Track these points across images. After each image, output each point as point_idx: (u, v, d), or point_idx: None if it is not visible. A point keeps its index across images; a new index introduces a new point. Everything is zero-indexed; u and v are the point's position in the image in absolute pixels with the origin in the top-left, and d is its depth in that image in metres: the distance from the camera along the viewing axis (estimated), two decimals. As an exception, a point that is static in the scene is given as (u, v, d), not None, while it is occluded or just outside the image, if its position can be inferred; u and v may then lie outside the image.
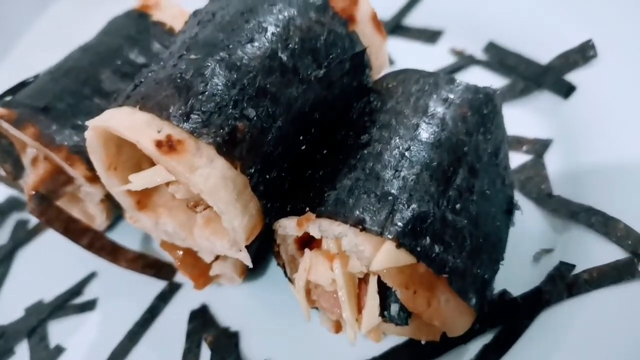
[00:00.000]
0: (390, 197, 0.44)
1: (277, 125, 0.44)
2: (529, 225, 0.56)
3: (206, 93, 0.41)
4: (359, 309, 0.49)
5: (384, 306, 0.47)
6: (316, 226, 0.44)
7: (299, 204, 0.46)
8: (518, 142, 0.64)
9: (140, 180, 0.43)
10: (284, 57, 0.45)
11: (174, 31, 0.63)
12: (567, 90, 0.64)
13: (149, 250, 0.67)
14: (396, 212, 0.43)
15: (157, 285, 0.64)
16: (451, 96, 0.50)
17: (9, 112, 0.55)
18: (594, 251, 0.48)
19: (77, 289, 0.68)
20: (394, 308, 0.47)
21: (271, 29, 0.46)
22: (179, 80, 0.42)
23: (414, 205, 0.44)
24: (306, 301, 0.51)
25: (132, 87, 0.43)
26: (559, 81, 0.65)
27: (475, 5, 0.81)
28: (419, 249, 0.42)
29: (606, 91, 0.61)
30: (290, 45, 0.46)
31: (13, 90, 0.59)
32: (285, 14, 0.47)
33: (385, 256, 0.42)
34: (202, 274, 0.58)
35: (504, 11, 0.78)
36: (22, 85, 0.60)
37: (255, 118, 0.43)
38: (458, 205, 0.46)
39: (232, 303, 0.61)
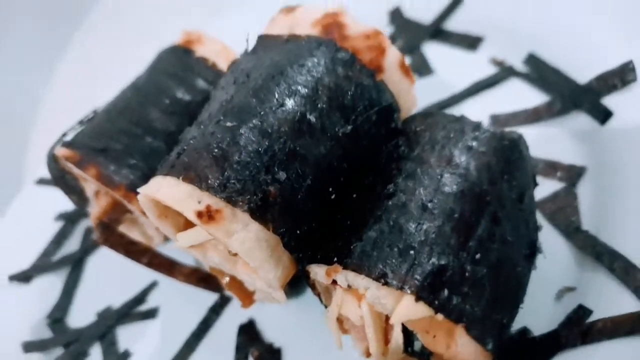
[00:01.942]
0: (411, 251, 0.47)
1: (306, 183, 0.48)
2: (555, 259, 0.58)
3: (240, 162, 0.46)
4: (386, 341, 0.53)
5: (408, 342, 0.51)
6: (343, 277, 0.49)
7: (328, 253, 0.50)
8: (552, 168, 0.64)
9: (185, 239, 0.49)
10: (313, 119, 0.48)
11: (217, 67, 0.67)
12: (603, 116, 0.63)
13: (202, 265, 0.74)
14: (416, 266, 0.46)
15: (210, 297, 0.71)
16: (475, 144, 0.52)
17: (73, 154, 0.62)
18: (613, 298, 0.50)
19: (141, 297, 0.76)
20: (417, 345, 0.51)
21: (300, 92, 0.49)
22: (216, 150, 0.46)
23: (433, 259, 0.47)
24: (338, 331, 0.56)
25: (176, 155, 0.48)
26: (596, 105, 0.65)
27: (517, 12, 0.80)
28: (437, 302, 0.46)
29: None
30: (318, 106, 0.49)
31: (74, 128, 0.65)
32: (314, 73, 0.50)
33: (404, 309, 0.45)
34: (247, 296, 0.63)
35: (546, 20, 0.76)
36: (82, 122, 0.66)
37: (286, 180, 0.47)
38: (478, 255, 0.48)
39: (277, 319, 0.66)
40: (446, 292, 0.46)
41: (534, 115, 0.70)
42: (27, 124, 1.25)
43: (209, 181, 0.45)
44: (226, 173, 0.45)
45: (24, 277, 0.82)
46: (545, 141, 0.68)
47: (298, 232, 0.48)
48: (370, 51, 0.53)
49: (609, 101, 0.64)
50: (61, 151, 0.62)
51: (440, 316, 0.46)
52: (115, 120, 0.64)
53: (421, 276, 0.46)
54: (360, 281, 0.47)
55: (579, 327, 0.50)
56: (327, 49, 0.51)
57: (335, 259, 0.49)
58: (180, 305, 0.73)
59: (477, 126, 0.53)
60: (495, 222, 0.50)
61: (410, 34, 0.90)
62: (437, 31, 0.88)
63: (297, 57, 0.51)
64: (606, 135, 0.63)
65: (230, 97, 0.50)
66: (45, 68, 1.41)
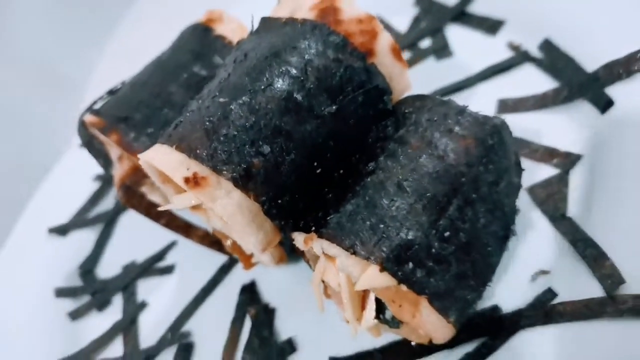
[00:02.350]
0: (382, 225, 0.51)
1: (290, 158, 0.52)
2: (538, 243, 0.59)
3: (228, 135, 0.50)
4: (363, 307, 0.57)
5: (381, 310, 0.55)
6: (319, 245, 0.53)
7: (308, 222, 0.54)
8: (550, 155, 0.65)
9: (179, 202, 0.54)
10: (299, 97, 0.52)
11: (232, 44, 0.71)
12: (604, 105, 0.64)
13: (215, 229, 0.80)
14: (385, 239, 0.50)
15: (221, 258, 0.77)
16: (457, 128, 0.54)
17: (98, 121, 0.68)
18: (580, 283, 0.52)
19: (161, 255, 0.83)
20: (388, 314, 0.55)
21: (290, 72, 0.53)
22: (207, 124, 0.51)
23: (402, 234, 0.50)
24: (322, 295, 0.60)
25: (174, 126, 0.53)
26: (599, 93, 0.65)
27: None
28: (400, 273, 0.49)
29: (641, 111, 0.60)
30: (306, 86, 0.52)
31: (102, 98, 0.72)
32: (305, 56, 0.53)
33: (368, 278, 0.49)
34: (247, 258, 0.69)
35: (565, 6, 0.76)
36: (111, 93, 0.73)
37: (269, 154, 0.51)
38: (447, 234, 0.51)
39: (276, 282, 0.72)
40: (411, 265, 0.49)
41: (541, 102, 0.71)
42: (80, 89, 1.35)
43: (198, 151, 0.50)
44: (214, 144, 0.50)
45: (61, 230, 0.91)
46: (548, 128, 0.69)
47: (279, 201, 0.52)
48: (362, 35, 0.55)
49: (613, 90, 0.64)
50: (89, 118, 0.69)
51: (404, 287, 0.50)
52: (138, 92, 0.70)
53: (388, 249, 0.49)
54: (332, 250, 0.51)
55: (543, 308, 0.52)
56: (320, 33, 0.54)
57: (314, 228, 0.53)
58: (194, 263, 0.80)
59: (461, 110, 0.55)
60: (467, 204, 0.52)
61: (434, 16, 0.91)
62: (460, 13, 0.88)
63: (291, 40, 0.54)
64: (605, 124, 0.63)
65: (228, 74, 0.55)
66: (101, 38, 1.51)
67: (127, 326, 0.76)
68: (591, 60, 0.69)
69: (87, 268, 0.86)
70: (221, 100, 0.52)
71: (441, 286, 0.51)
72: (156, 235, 0.84)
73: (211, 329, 0.71)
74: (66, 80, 1.42)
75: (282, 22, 0.57)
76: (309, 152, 0.53)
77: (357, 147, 0.57)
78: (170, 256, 0.83)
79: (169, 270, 0.81)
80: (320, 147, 0.54)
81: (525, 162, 0.66)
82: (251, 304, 0.70)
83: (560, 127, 0.67)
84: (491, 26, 0.84)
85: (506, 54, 0.79)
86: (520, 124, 0.70)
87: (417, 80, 0.85)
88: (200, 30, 0.73)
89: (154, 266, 0.82)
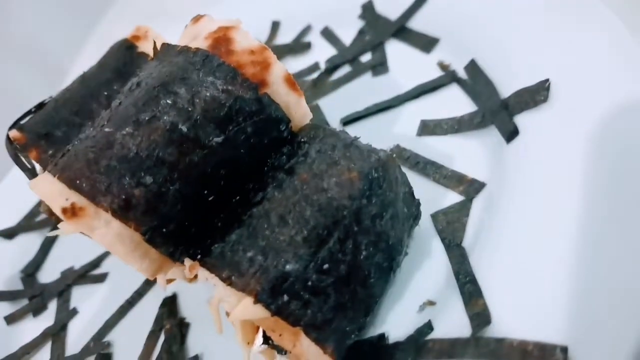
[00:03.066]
0: (260, 257, 0.52)
1: (174, 188, 0.53)
2: (433, 271, 0.60)
3: (109, 166, 0.51)
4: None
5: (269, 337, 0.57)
6: (202, 274, 0.54)
7: (196, 250, 0.55)
8: (458, 181, 0.66)
9: (65, 228, 0.56)
10: (185, 129, 0.53)
11: (154, 63, 0.72)
12: (510, 134, 0.63)
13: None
14: (262, 271, 0.51)
15: (150, 269, 0.79)
16: (343, 162, 0.55)
17: (21, 136, 0.70)
18: (455, 319, 0.52)
19: (97, 262, 0.85)
20: (275, 340, 0.57)
21: (177, 103, 0.53)
22: (90, 154, 0.52)
23: (280, 266, 0.51)
24: (219, 317, 0.61)
25: (61, 154, 0.55)
26: (506, 121, 0.64)
27: (473, 15, 0.79)
28: (274, 305, 0.50)
29: (543, 144, 0.60)
30: (192, 117, 0.53)
31: (29, 113, 0.73)
32: (193, 87, 0.54)
33: (242, 309, 0.50)
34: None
35: (494, 29, 0.75)
36: (38, 107, 0.74)
37: (152, 184, 0.52)
38: (326, 266, 0.52)
39: (196, 296, 0.73)
40: (286, 297, 0.50)
41: (457, 125, 0.71)
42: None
43: (78, 181, 0.51)
44: (94, 175, 0.51)
45: (8, 233, 0.93)
46: (460, 152, 0.69)
47: (164, 230, 0.53)
48: (254, 66, 0.56)
49: (522, 119, 0.64)
50: (13, 133, 0.70)
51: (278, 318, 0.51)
52: (60, 108, 0.71)
53: (264, 281, 0.50)
54: (212, 280, 0.53)
55: (416, 342, 0.53)
56: (210, 64, 0.55)
57: (199, 256, 0.54)
58: (125, 273, 0.81)
59: (348, 144, 0.56)
60: (349, 236, 0.53)
61: (377, 30, 0.91)
62: (401, 28, 0.88)
63: (181, 70, 0.55)
64: (511, 153, 0.63)
65: (119, 103, 0.56)
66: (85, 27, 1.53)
67: (56, 333, 0.79)
68: (508, 86, 0.69)
69: (29, 272, 0.89)
70: (107, 130, 0.53)
71: (318, 317, 0.52)
72: (94, 243, 0.86)
73: (130, 341, 0.73)
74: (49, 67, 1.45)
75: (177, 50, 0.57)
76: (197, 182, 0.54)
77: (253, 175, 0.58)
78: (105, 264, 0.85)
79: (101, 278, 0.83)
80: (210, 176, 0.55)
81: (436, 188, 0.67)
82: (169, 317, 0.72)
83: (472, 153, 0.67)
84: (427, 43, 0.83)
85: (436, 73, 0.79)
86: (436, 147, 0.71)
87: (352, 96, 0.86)
88: (125, 47, 0.74)
89: (89, 273, 0.84)
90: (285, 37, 1.03)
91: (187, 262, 0.56)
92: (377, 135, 0.77)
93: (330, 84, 0.89)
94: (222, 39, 0.56)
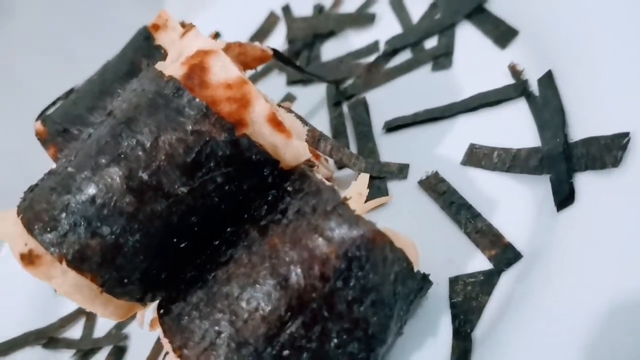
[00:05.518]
0: (214, 330, 0.46)
1: (134, 239, 0.48)
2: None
3: (67, 212, 0.47)
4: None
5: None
6: (160, 333, 0.50)
7: (161, 302, 0.51)
8: (491, 242, 0.53)
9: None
10: (145, 176, 0.47)
11: (168, 57, 0.65)
12: (562, 200, 0.48)
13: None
14: (213, 349, 0.46)
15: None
16: (320, 231, 0.45)
17: (43, 130, 0.69)
18: None
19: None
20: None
21: (138, 146, 0.47)
22: (52, 196, 0.48)
23: (232, 345, 0.45)
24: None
25: (30, 189, 0.52)
26: (564, 181, 0.49)
27: (568, 10, 0.61)
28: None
29: (602, 225, 0.45)
30: (154, 164, 0.47)
31: (56, 101, 0.72)
32: (159, 126, 0.47)
33: (188, 387, 0.46)
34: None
35: (591, 34, 0.57)
36: (67, 95, 0.72)
37: (109, 235, 0.48)
38: (286, 352, 0.45)
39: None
40: (237, 378, 0.45)
41: (510, 161, 0.56)
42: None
43: (36, 226, 0.48)
44: (52, 222, 0.48)
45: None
46: (502, 200, 0.55)
47: (125, 280, 0.49)
48: (230, 103, 0.47)
49: (585, 179, 0.48)
50: (37, 126, 0.70)
51: (228, 401, 0.46)
52: (78, 103, 0.68)
53: (219, 358, 0.45)
54: (166, 345, 0.48)
55: None
56: (180, 99, 0.47)
57: (162, 311, 0.50)
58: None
59: (331, 209, 0.46)
60: (317, 321, 0.45)
61: (451, 7, 0.75)
62: (478, 8, 0.71)
63: (149, 105, 0.48)
64: (562, 222, 0.49)
65: (89, 136, 0.51)
66: None
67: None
68: (582, 120, 0.52)
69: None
70: (69, 170, 0.49)
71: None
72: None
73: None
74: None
75: (155, 74, 0.50)
76: (162, 232, 0.49)
77: (234, 220, 0.51)
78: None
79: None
80: (178, 226, 0.49)
81: (465, 242, 0.55)
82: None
83: (517, 205, 0.54)
84: (503, 35, 0.67)
85: (505, 78, 0.63)
86: (479, 184, 0.58)
87: (405, 92, 0.74)
88: (143, 37, 0.68)
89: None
90: (351, 4, 0.89)
91: (152, 312, 0.52)
92: (418, 151, 0.64)
93: (384, 73, 0.76)
94: (197, 67, 0.48)
